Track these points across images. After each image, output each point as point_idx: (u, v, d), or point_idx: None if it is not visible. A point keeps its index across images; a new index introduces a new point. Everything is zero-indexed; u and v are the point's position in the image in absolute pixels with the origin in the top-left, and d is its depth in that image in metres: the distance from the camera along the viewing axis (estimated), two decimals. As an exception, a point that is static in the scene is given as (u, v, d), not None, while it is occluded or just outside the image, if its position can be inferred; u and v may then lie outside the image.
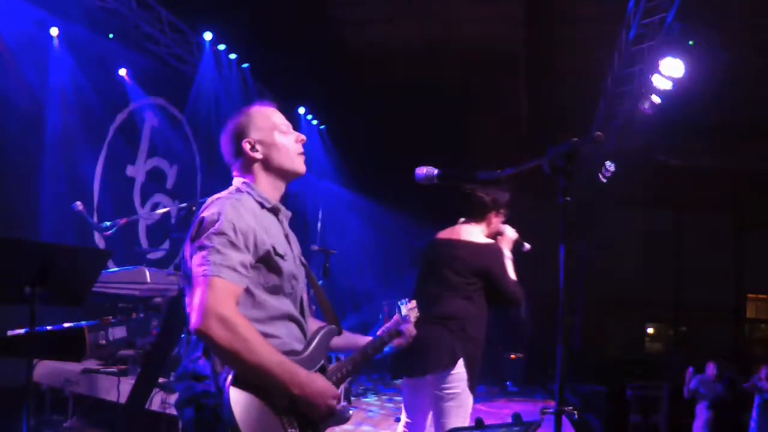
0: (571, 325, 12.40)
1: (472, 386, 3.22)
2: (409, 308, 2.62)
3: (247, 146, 2.07)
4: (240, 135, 2.09)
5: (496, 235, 3.52)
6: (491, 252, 3.41)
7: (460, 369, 3.18)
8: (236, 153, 2.11)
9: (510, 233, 3.53)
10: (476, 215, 3.49)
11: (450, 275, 3.36)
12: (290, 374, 1.83)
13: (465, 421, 3.16)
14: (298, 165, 2.12)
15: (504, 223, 3.55)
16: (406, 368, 3.32)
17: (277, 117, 2.14)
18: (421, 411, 3.36)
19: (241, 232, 1.88)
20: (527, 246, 3.60)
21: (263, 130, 2.09)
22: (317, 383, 1.90)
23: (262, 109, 2.15)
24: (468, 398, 3.20)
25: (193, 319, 1.79)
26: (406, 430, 3.42)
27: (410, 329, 2.53)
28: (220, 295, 1.80)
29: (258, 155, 2.07)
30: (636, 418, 10.44)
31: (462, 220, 3.53)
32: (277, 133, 2.10)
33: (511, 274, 3.41)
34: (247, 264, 1.88)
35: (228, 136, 2.12)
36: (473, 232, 3.46)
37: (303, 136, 2.15)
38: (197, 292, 1.81)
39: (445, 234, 3.52)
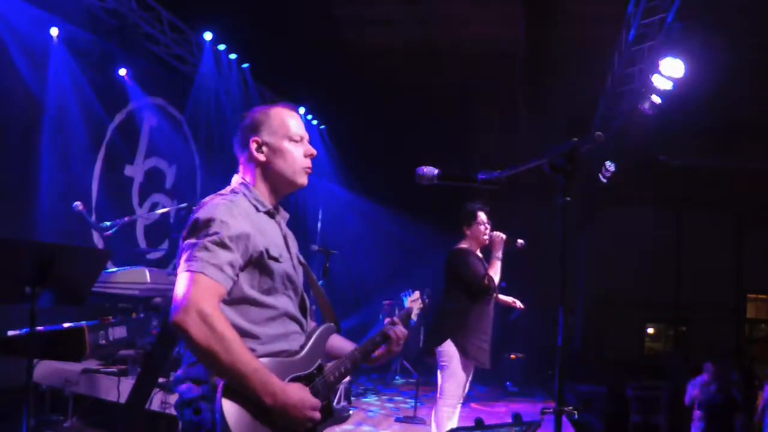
0: (571, 325, 12.40)
1: (469, 361, 4.33)
2: (412, 300, 2.60)
3: (253, 145, 2.04)
4: (251, 131, 2.05)
5: (483, 243, 4.52)
6: (453, 254, 4.52)
7: (448, 347, 4.30)
8: (242, 148, 2.08)
9: (496, 238, 4.48)
10: (460, 230, 4.59)
11: (446, 281, 4.55)
12: (263, 383, 1.76)
13: (458, 387, 4.28)
14: (299, 177, 2.07)
15: (487, 229, 4.52)
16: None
17: (293, 124, 2.08)
18: None
19: (233, 233, 1.87)
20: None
21: (275, 134, 2.04)
22: (292, 394, 1.81)
23: (283, 111, 2.09)
24: (459, 369, 4.28)
25: (173, 313, 1.76)
26: None
27: (397, 332, 2.28)
28: (203, 291, 1.77)
29: (261, 157, 2.04)
30: (636, 418, 10.43)
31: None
32: (287, 141, 2.05)
33: (494, 272, 4.39)
34: (235, 264, 1.86)
35: (241, 129, 2.09)
36: (457, 245, 4.57)
37: (314, 151, 2.09)
38: (180, 285, 1.79)
39: None
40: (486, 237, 4.52)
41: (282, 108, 2.11)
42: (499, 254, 4.47)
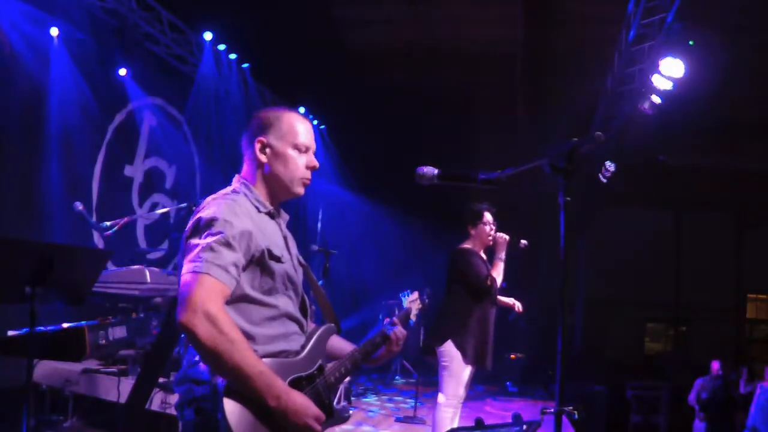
0: (571, 325, 12.41)
1: (470, 362, 4.30)
2: (411, 300, 2.59)
3: (258, 145, 2.04)
4: (259, 131, 2.06)
5: (487, 244, 4.52)
6: (456, 254, 4.50)
7: (449, 347, 4.28)
8: (248, 146, 2.09)
9: (499, 239, 4.49)
10: (464, 230, 4.56)
11: (448, 281, 4.53)
12: (268, 385, 1.78)
13: (458, 387, 4.27)
14: (296, 187, 2.07)
15: (492, 230, 4.51)
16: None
17: (302, 133, 2.07)
18: None
19: (236, 232, 1.87)
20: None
21: (282, 139, 2.04)
22: (295, 399, 1.82)
23: (295, 118, 2.09)
24: (460, 370, 4.26)
25: (179, 313, 1.77)
26: None
27: (396, 333, 2.26)
28: (209, 292, 1.78)
29: (263, 158, 2.04)
30: (636, 418, 10.44)
31: None
32: (291, 148, 2.05)
33: (496, 273, 4.43)
34: (239, 265, 1.87)
35: (250, 126, 2.09)
36: (461, 245, 4.53)
37: (316, 163, 2.09)
38: (185, 286, 1.79)
39: None
40: (491, 238, 4.51)
41: (295, 114, 2.11)
42: (503, 255, 4.50)
